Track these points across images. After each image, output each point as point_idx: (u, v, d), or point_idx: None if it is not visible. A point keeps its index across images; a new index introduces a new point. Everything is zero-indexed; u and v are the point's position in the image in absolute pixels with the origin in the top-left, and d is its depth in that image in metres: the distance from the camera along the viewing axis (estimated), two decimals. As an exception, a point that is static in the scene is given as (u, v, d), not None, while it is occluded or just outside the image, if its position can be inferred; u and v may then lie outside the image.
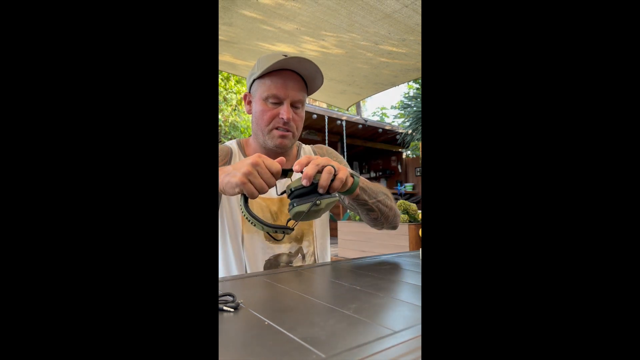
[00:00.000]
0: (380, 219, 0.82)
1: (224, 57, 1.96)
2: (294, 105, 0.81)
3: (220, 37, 1.73)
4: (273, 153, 0.85)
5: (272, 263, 0.82)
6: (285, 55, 0.77)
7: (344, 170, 0.61)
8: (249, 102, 0.87)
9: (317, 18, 1.53)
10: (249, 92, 0.87)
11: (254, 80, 0.84)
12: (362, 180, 0.74)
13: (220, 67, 2.14)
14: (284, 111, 0.78)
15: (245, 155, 0.89)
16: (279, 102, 0.80)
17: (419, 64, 1.99)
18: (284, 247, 0.84)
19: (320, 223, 0.90)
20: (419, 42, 1.70)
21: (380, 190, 0.80)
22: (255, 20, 1.55)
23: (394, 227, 0.89)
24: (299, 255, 0.86)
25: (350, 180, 0.66)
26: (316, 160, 0.58)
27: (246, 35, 1.69)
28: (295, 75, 0.81)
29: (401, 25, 1.56)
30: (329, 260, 0.93)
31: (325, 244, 0.92)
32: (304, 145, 1.00)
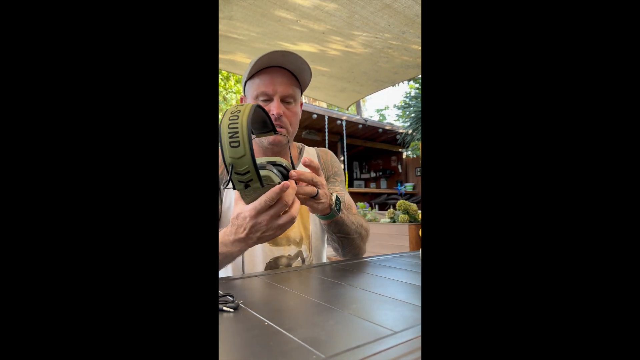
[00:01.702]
0: (340, 250, 0.85)
1: (237, 56, 1.95)
2: (285, 101, 0.81)
3: (235, 36, 1.72)
4: (269, 151, 0.86)
5: (272, 266, 0.82)
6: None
7: (317, 191, 0.63)
8: None
9: (317, 10, 1.51)
10: (244, 95, 0.88)
11: (246, 83, 0.85)
12: (346, 216, 0.76)
13: (232, 69, 2.15)
14: (274, 107, 0.79)
15: None
16: (269, 99, 0.80)
17: (419, 60, 1.97)
18: (283, 250, 0.84)
19: (316, 228, 0.90)
20: (418, 35, 1.68)
21: (354, 228, 0.81)
22: (256, 14, 1.53)
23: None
24: (299, 258, 0.86)
25: (326, 209, 0.67)
26: (318, 178, 0.60)
27: (247, 29, 1.66)
28: (282, 70, 0.81)
29: (401, 16, 1.53)
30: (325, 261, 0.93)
31: (320, 247, 0.92)
32: (307, 147, 0.99)
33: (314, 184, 0.61)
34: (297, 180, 0.57)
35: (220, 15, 1.52)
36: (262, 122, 0.62)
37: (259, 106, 0.54)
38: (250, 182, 0.48)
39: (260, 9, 1.49)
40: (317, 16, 1.56)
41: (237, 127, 0.45)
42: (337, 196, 0.69)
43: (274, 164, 0.54)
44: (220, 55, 2.01)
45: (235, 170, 0.47)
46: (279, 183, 0.52)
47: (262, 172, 0.51)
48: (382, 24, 1.61)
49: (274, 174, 0.52)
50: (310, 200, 0.63)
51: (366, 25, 1.63)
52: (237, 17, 1.55)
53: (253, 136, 0.66)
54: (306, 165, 0.60)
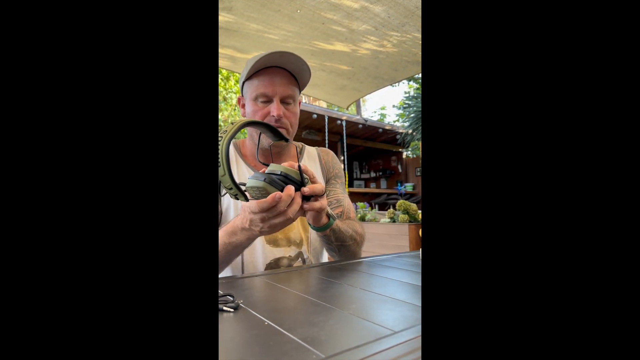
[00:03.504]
0: (336, 256, 0.84)
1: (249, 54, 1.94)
2: (284, 102, 0.81)
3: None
4: (268, 152, 0.85)
5: (273, 266, 0.82)
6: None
7: (322, 212, 0.64)
8: (243, 106, 0.87)
9: (316, 0, 1.48)
10: (242, 96, 0.88)
11: (244, 83, 0.85)
12: (337, 223, 0.76)
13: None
14: (274, 108, 0.79)
15: (242, 156, 0.89)
16: (268, 100, 0.80)
17: (419, 56, 1.95)
18: (284, 251, 0.83)
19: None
20: (418, 28, 1.65)
21: (349, 234, 0.80)
22: (256, 4, 1.50)
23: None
24: (299, 259, 0.85)
25: (325, 220, 0.69)
26: (322, 187, 0.61)
27: (248, 16, 1.63)
28: (282, 71, 0.81)
29: (400, 7, 1.50)
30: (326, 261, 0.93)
31: (320, 248, 0.91)
32: (307, 147, 0.99)
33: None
34: (310, 195, 0.59)
35: (221, 5, 1.50)
36: (270, 130, 0.64)
37: (252, 122, 0.58)
38: (237, 196, 0.54)
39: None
40: (317, 6, 1.53)
41: (218, 149, 0.51)
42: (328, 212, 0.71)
43: (279, 174, 0.57)
44: (237, 54, 1.99)
45: (223, 186, 0.53)
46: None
47: (259, 184, 0.55)
48: (383, 15, 1.58)
49: (270, 186, 0.55)
50: (317, 213, 0.64)
51: (366, 16, 1.60)
52: (237, 7, 1.52)
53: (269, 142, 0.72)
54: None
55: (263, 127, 0.62)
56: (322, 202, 0.62)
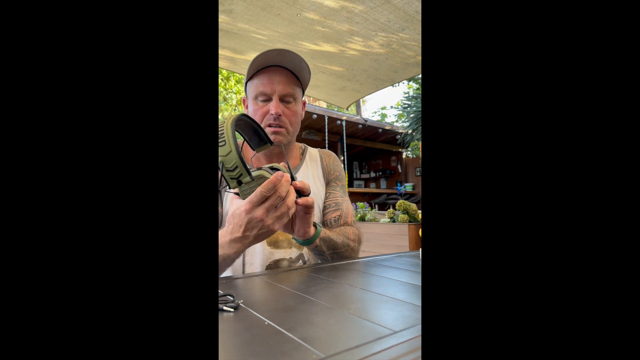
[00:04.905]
0: (331, 261, 0.84)
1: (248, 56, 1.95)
2: (284, 100, 0.81)
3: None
4: (269, 152, 0.85)
5: (273, 268, 0.81)
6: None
7: (310, 217, 0.65)
8: (247, 107, 0.88)
9: (315, 4, 1.48)
10: (246, 97, 0.88)
11: (247, 84, 0.85)
12: (325, 231, 0.75)
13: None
14: (273, 106, 0.79)
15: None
16: (267, 99, 0.80)
17: (419, 58, 1.96)
18: (284, 252, 0.83)
19: None
20: (418, 32, 1.67)
21: (341, 241, 0.79)
22: (256, 8, 1.51)
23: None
24: (300, 261, 0.85)
25: (312, 230, 0.68)
26: (308, 192, 0.62)
27: (249, 19, 1.64)
28: (281, 69, 0.81)
29: (400, 12, 1.52)
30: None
31: None
32: (310, 148, 0.99)
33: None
34: (300, 190, 0.60)
35: (220, 8, 1.50)
36: (256, 135, 0.65)
37: (244, 115, 0.58)
38: (241, 177, 0.52)
39: (260, 1, 1.47)
40: (317, 11, 1.53)
41: (222, 129, 0.51)
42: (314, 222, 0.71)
43: (271, 167, 0.58)
44: (238, 56, 2.00)
45: (225, 167, 0.51)
46: None
47: (256, 173, 0.54)
48: (382, 20, 1.59)
49: (267, 172, 0.55)
50: (305, 214, 0.64)
51: (366, 20, 1.60)
52: (237, 10, 1.53)
53: (240, 140, 0.71)
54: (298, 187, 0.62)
55: (250, 131, 0.62)
56: (312, 199, 0.63)
